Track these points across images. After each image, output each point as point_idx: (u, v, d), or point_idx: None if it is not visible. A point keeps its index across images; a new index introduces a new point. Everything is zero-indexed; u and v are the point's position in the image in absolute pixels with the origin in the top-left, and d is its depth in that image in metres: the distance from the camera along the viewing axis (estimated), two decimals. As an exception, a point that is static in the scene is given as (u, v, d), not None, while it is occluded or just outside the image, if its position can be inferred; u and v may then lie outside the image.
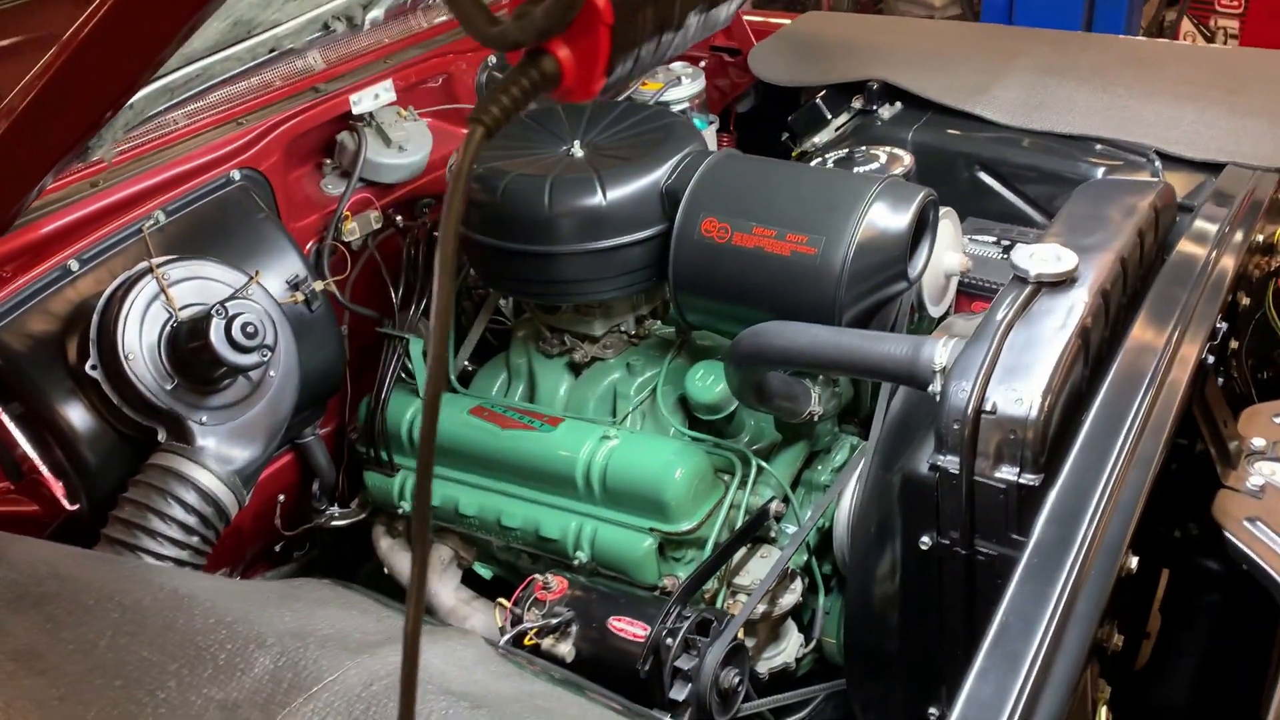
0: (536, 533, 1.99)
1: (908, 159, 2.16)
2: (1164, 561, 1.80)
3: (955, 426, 1.42)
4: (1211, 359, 1.58)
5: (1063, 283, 1.55)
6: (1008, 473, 1.40)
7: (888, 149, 2.20)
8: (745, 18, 3.20)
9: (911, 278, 1.83)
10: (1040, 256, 1.56)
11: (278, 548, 2.35)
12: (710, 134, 2.68)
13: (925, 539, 1.48)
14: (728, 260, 1.85)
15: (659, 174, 1.95)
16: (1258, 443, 1.67)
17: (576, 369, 2.19)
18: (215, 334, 1.70)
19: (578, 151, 2.05)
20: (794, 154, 2.76)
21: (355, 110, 2.27)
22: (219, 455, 1.80)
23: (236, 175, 2.08)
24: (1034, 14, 3.81)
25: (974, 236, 2.36)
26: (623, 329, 2.18)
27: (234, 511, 1.83)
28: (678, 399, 2.07)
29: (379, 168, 2.29)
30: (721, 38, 3.13)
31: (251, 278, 1.86)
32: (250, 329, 1.72)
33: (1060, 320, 1.49)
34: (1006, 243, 2.33)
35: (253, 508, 2.21)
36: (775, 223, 1.81)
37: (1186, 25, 6.09)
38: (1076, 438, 1.37)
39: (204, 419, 1.79)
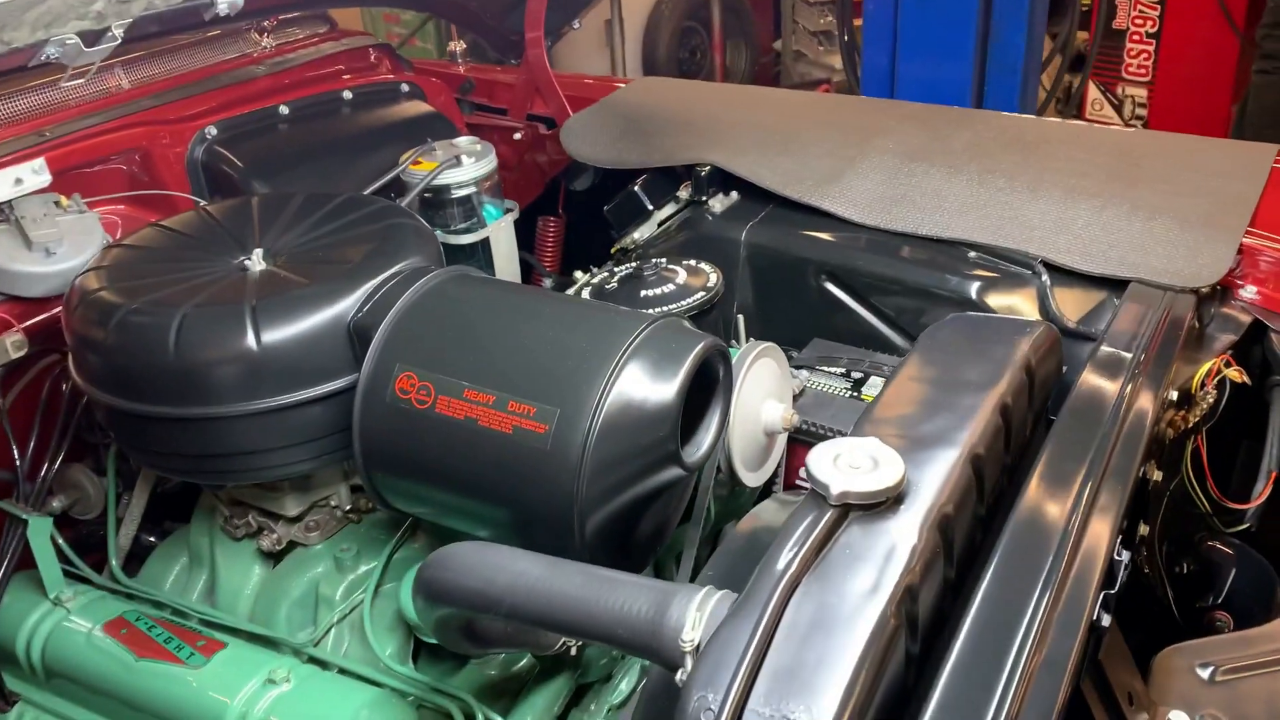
0: (169, 819, 1.39)
1: (714, 278, 1.62)
2: None
3: (698, 767, 0.86)
4: (1106, 619, 1.04)
5: (881, 505, 1.01)
6: None
7: (691, 263, 1.66)
8: (574, 79, 2.68)
9: (690, 463, 1.27)
10: (848, 461, 1.02)
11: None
12: (507, 224, 2.13)
13: None
14: (430, 434, 1.28)
15: (344, 305, 1.37)
16: (1178, 718, 1.13)
17: (271, 557, 1.60)
18: None
19: (255, 264, 1.47)
20: (613, 250, 2.23)
21: (-15, 200, 1.67)
22: None
23: None
24: (919, 79, 3.35)
25: (818, 366, 1.83)
26: (333, 503, 1.60)
27: None
28: (398, 610, 1.48)
29: (13, 277, 1.69)
30: (539, 104, 2.60)
31: None
32: None
33: (872, 578, 0.94)
34: (858, 375, 1.81)
35: None
36: (495, 385, 1.24)
37: (1094, 92, 5.77)
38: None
39: None
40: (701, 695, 0.88)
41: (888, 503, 1.01)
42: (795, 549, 0.97)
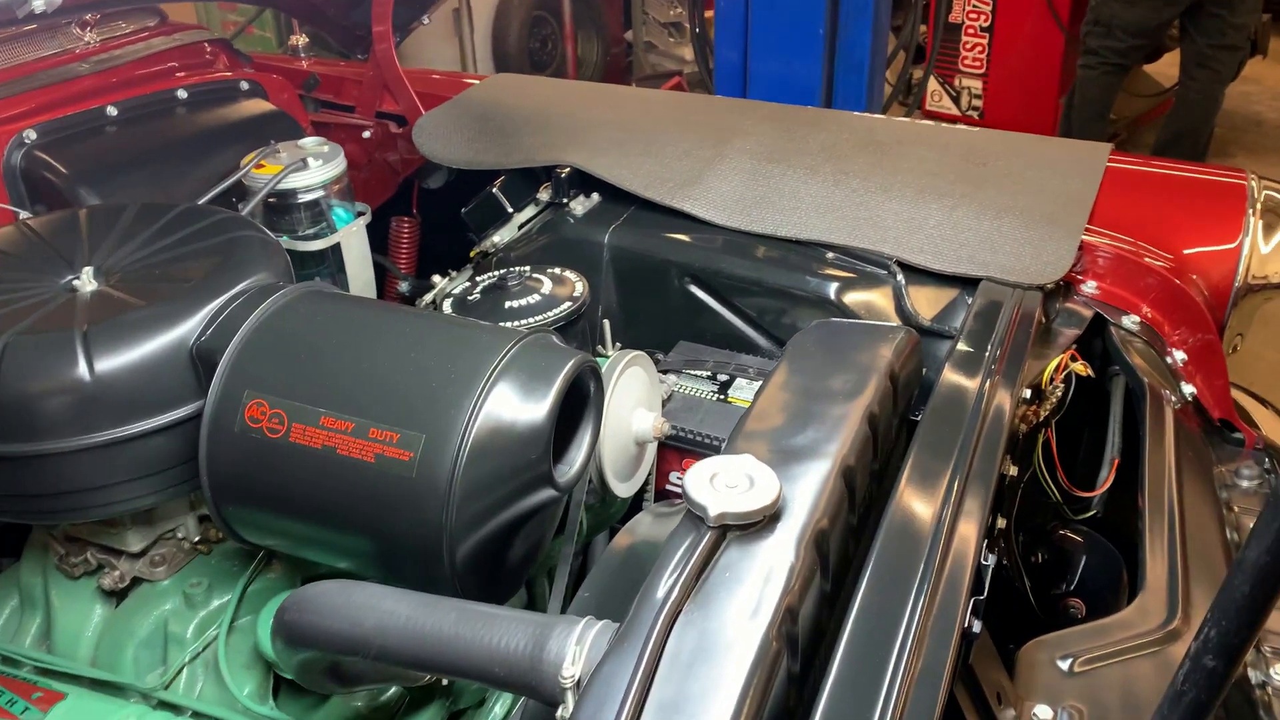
0: None
1: (580, 287, 1.59)
2: None
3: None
4: (977, 625, 1.07)
5: (758, 525, 1.00)
6: None
7: (556, 271, 1.62)
8: (425, 76, 2.60)
9: (562, 484, 1.24)
10: (725, 480, 1.01)
11: None
12: (358, 228, 2.05)
13: None
14: (284, 465, 1.20)
15: (186, 328, 1.28)
16: (1043, 713, 1.17)
17: (114, 595, 1.49)
18: None
19: (85, 285, 1.36)
20: (472, 253, 2.17)
21: None
22: None
23: None
24: (770, 76, 3.40)
25: (684, 370, 1.83)
26: (180, 535, 1.50)
27: None
28: (254, 647, 1.40)
29: None
30: (389, 101, 2.51)
31: None
32: None
33: (752, 601, 0.93)
34: (723, 378, 1.81)
35: None
36: (354, 410, 1.18)
37: (933, 84, 5.98)
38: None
39: None
40: (585, 735, 0.85)
41: (764, 521, 1.00)
42: (675, 575, 0.95)
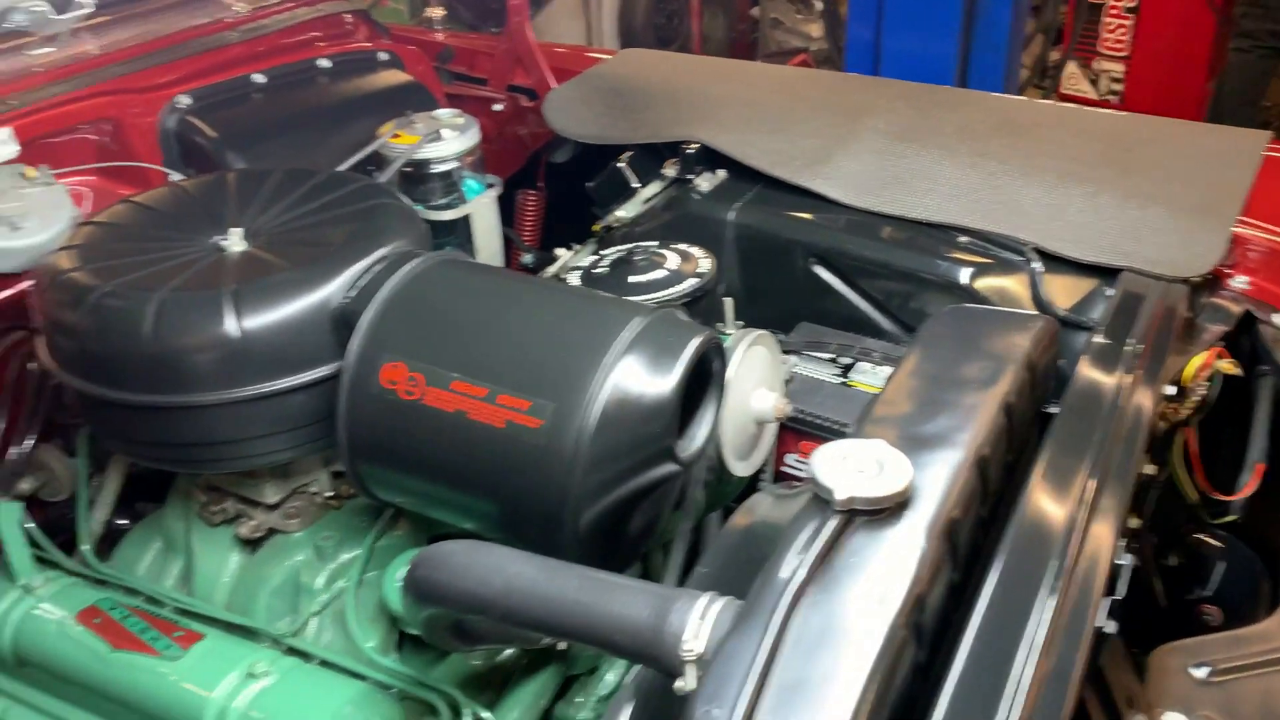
0: (146, 814, 1.36)
1: (706, 264, 1.58)
2: None
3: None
4: (1111, 626, 1.03)
5: (887, 511, 0.98)
6: None
7: (683, 247, 1.62)
8: (553, 50, 2.62)
9: (684, 459, 1.25)
10: (854, 464, 0.99)
11: None
12: (489, 200, 2.08)
13: None
14: (418, 426, 1.24)
15: (329, 290, 1.33)
16: (1174, 720, 1.13)
17: (249, 544, 1.56)
18: None
19: (234, 245, 1.42)
20: (595, 227, 2.19)
21: (-55, 172, 1.60)
22: None
23: None
24: (904, 54, 3.31)
25: (806, 351, 1.81)
26: (313, 490, 1.55)
27: None
28: (380, 600, 1.45)
29: (-23, 252, 1.62)
30: (521, 74, 2.54)
31: None
32: None
33: (880, 587, 0.92)
34: (846, 361, 1.79)
35: None
36: (485, 377, 1.21)
37: (1070, 67, 5.75)
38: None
39: None
40: (706, 710, 0.85)
41: (893, 508, 0.99)
42: (800, 556, 0.94)
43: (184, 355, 1.28)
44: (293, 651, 1.44)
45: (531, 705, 1.41)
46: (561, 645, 1.33)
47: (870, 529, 0.98)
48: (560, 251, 2.16)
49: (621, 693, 1.31)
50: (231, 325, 1.27)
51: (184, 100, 1.95)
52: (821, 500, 0.99)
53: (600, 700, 1.47)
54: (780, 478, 1.72)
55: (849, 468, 0.99)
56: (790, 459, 1.73)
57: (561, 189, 2.54)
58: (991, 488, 1.11)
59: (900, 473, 0.99)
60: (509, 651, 1.47)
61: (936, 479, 1.03)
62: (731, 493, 1.67)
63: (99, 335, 1.29)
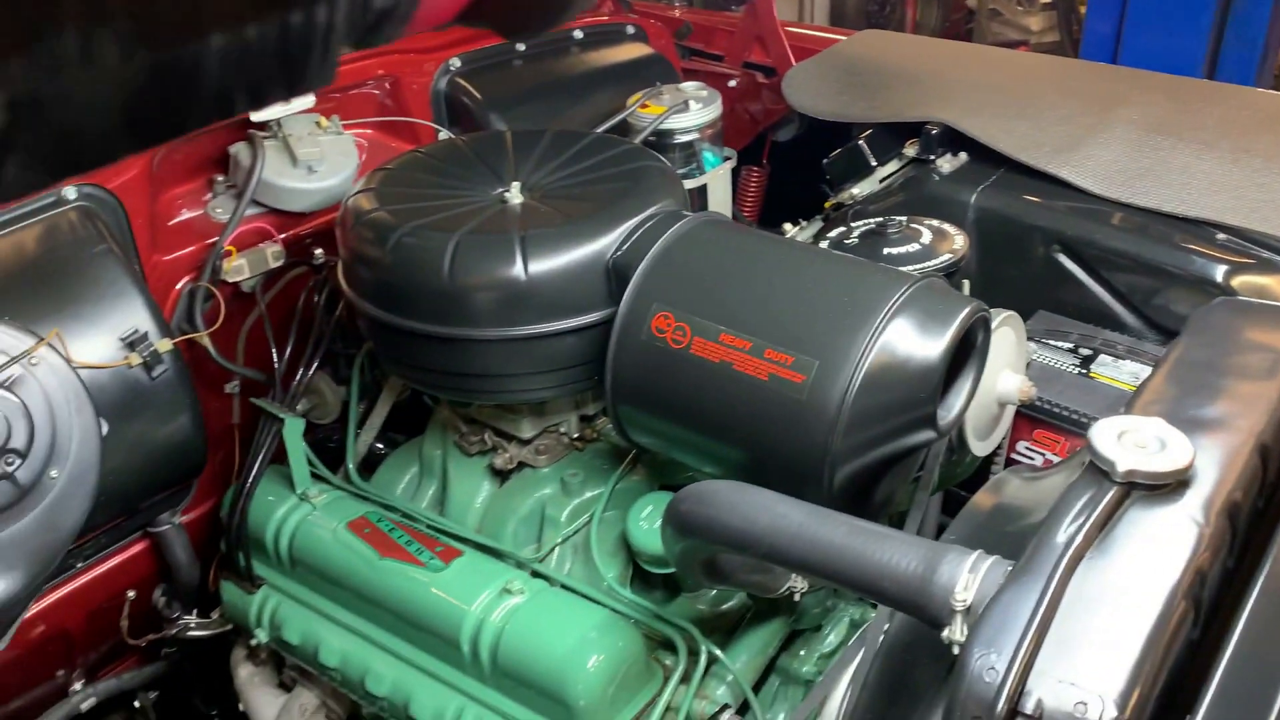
0: (405, 709, 1.49)
1: (960, 241, 1.60)
2: None
3: (973, 723, 0.88)
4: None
5: (1167, 487, 0.99)
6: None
7: (934, 223, 1.64)
8: (790, 30, 2.65)
9: (942, 426, 1.28)
10: (1134, 439, 1.01)
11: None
12: (724, 173, 2.15)
13: None
14: (683, 373, 1.31)
15: (605, 242, 1.42)
16: None
17: (500, 474, 1.68)
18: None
19: (514, 197, 1.53)
20: (827, 204, 2.22)
21: (255, 116, 1.78)
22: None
23: (72, 193, 1.60)
24: (1146, 49, 3.19)
25: (1044, 340, 1.80)
26: (562, 430, 1.66)
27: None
28: (620, 537, 1.54)
29: (278, 192, 1.79)
30: (758, 52, 2.59)
31: (40, 341, 1.37)
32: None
33: (1160, 558, 0.93)
34: (1086, 352, 1.77)
35: (89, 604, 1.75)
36: (751, 331, 1.27)
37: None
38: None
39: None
40: (984, 654, 0.89)
41: (1173, 485, 0.99)
42: (1077, 523, 0.96)
43: (475, 292, 1.39)
44: (538, 575, 1.54)
45: (760, 652, 1.48)
46: (799, 593, 1.38)
47: (1149, 503, 0.99)
48: (787, 226, 2.21)
49: (853, 643, 1.36)
50: (519, 269, 1.38)
51: (455, 62, 2.09)
52: (1099, 471, 1.00)
53: (823, 657, 1.52)
54: (1011, 464, 1.73)
55: (1129, 442, 1.00)
56: (1022, 445, 1.73)
57: (782, 166, 2.59)
58: (1269, 479, 1.10)
59: (1182, 451, 0.99)
60: (733, 600, 1.53)
61: (1214, 461, 1.03)
62: (964, 473, 1.69)
63: (400, 270, 1.42)
